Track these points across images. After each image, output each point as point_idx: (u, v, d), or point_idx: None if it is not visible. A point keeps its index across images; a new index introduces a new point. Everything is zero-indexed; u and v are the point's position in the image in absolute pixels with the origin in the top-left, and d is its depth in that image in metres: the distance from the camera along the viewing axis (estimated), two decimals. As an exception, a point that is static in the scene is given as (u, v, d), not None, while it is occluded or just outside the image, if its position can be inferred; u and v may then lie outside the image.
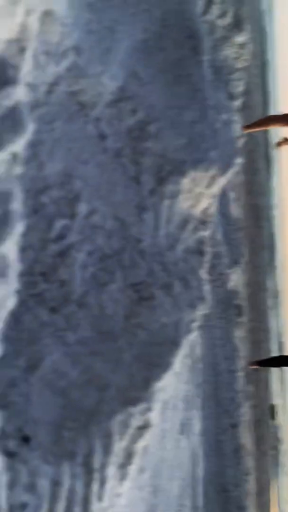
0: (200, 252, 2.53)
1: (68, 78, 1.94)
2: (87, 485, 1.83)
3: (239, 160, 2.30)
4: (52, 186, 1.95)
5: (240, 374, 4.65)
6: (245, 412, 4.68)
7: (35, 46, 1.57)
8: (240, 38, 3.17)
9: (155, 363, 2.14)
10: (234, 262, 4.54)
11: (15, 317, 1.78)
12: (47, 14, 1.67)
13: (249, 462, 4.65)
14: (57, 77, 1.90)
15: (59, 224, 1.97)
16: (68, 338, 2.02)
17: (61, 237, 1.99)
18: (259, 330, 8.20)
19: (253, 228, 7.77)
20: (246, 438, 4.79)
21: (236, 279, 4.70)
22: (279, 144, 4.73)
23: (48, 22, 1.70)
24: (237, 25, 3.14)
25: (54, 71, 1.86)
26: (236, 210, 5.59)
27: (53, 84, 1.89)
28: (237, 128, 2.51)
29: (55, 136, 1.95)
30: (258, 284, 8.35)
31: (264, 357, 7.51)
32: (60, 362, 1.97)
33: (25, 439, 1.72)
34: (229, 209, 4.81)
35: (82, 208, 2.05)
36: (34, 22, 1.40)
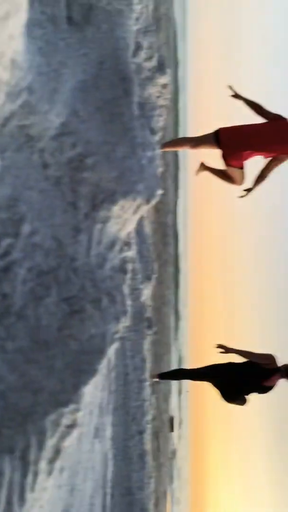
0: (123, 271, 2.95)
1: (20, 114, 2.26)
2: (24, 476, 2.14)
3: (160, 192, 2.77)
4: (0, 209, 2.25)
5: (147, 385, 5.12)
6: (150, 421, 5.15)
7: (3, 91, 1.89)
8: (162, 80, 3.68)
9: (84, 370, 2.50)
10: (147, 278, 5.02)
11: None
12: (12, 61, 2.00)
13: (152, 468, 5.12)
14: (12, 113, 2.21)
15: (5, 242, 2.27)
16: (7, 346, 2.32)
17: (6, 254, 2.29)
18: (162, 343, 8.79)
19: (161, 245, 8.38)
20: (150, 445, 5.26)
21: (147, 293, 5.18)
22: (199, 170, 5.31)
23: (12, 68, 2.02)
24: (160, 68, 3.65)
25: (10, 108, 2.18)
26: (148, 229, 6.12)
27: (8, 119, 2.21)
28: (159, 164, 2.97)
29: (5, 164, 2.25)
30: (163, 299, 8.96)
31: (165, 369, 8.11)
32: None
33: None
34: (143, 228, 5.29)
35: (26, 228, 2.37)
36: (5, 73, 1.73)
